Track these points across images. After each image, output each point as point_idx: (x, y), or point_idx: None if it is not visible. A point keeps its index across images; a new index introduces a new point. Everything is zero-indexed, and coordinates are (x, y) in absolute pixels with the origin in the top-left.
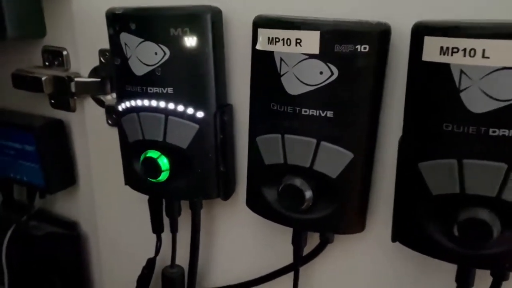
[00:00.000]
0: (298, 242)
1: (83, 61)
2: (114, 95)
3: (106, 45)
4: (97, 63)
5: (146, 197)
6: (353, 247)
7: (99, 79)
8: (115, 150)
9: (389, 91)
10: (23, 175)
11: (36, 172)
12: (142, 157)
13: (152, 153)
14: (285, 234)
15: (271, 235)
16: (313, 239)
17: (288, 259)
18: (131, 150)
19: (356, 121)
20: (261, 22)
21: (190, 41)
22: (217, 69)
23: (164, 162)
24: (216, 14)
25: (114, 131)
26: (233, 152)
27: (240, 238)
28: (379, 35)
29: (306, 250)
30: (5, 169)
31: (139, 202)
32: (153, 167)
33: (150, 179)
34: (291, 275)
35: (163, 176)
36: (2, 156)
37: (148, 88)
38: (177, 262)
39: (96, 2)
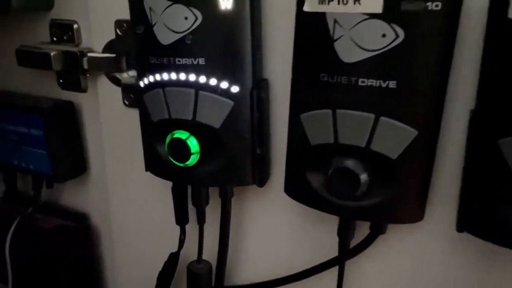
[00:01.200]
0: (345, 233)
1: (96, 34)
2: (131, 72)
3: (123, 15)
4: (111, 37)
5: (167, 184)
6: (408, 238)
7: (114, 55)
8: (133, 133)
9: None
10: (28, 162)
11: (44, 159)
12: (168, 139)
13: (180, 134)
14: (329, 223)
15: (311, 226)
16: (360, 230)
17: (332, 252)
18: (154, 131)
19: (423, 92)
20: None
21: (225, 3)
22: (254, 37)
23: (193, 144)
24: None
25: (131, 112)
26: (268, 133)
27: (275, 229)
28: None
29: (352, 242)
30: (7, 156)
31: (159, 190)
32: (181, 149)
33: (177, 164)
34: (334, 270)
35: (193, 160)
36: (4, 142)
37: (176, 59)
38: (203, 256)
39: None
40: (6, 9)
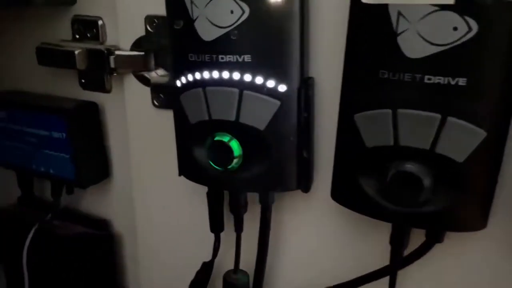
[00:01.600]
0: (399, 241)
1: (124, 31)
2: (159, 71)
3: (153, 10)
4: (140, 34)
5: (200, 190)
6: (468, 246)
7: (143, 53)
8: (162, 135)
9: None
10: (48, 166)
11: (65, 163)
12: (208, 142)
13: (222, 136)
14: (379, 231)
15: (360, 233)
16: (413, 236)
17: (382, 261)
18: (192, 133)
19: (494, 91)
20: None
21: None
22: (303, 33)
23: (236, 147)
24: None
25: (161, 114)
26: (313, 135)
27: (318, 236)
28: None
29: (405, 251)
30: (25, 160)
31: (190, 196)
32: (223, 152)
33: (217, 168)
34: (385, 281)
35: (235, 164)
36: (23, 145)
37: (220, 56)
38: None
39: None
40: (28, 2)
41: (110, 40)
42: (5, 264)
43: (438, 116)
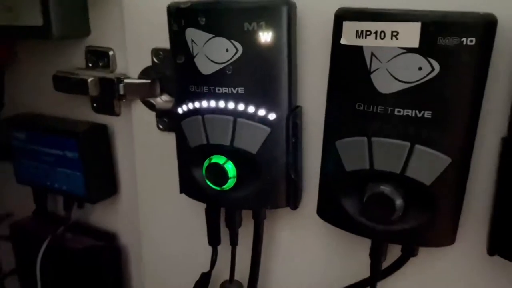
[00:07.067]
0: (377, 255)
1: (132, 61)
2: (164, 97)
3: (159, 43)
4: (147, 64)
5: (199, 206)
6: (439, 261)
7: (149, 81)
8: (166, 156)
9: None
10: (62, 183)
11: (77, 180)
12: (206, 163)
13: (218, 159)
14: (361, 245)
15: (342, 247)
16: (391, 251)
17: (363, 273)
18: (192, 155)
19: (456, 121)
20: (347, 15)
21: (265, 37)
22: (290, 67)
23: (230, 168)
24: (292, 7)
25: (165, 136)
26: (301, 158)
27: (306, 250)
28: (486, 27)
29: (384, 264)
30: (42, 178)
31: (191, 211)
32: (219, 173)
33: (214, 187)
34: None
35: (230, 184)
36: (39, 164)
37: (216, 88)
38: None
39: None
40: (49, 35)
41: (119, 69)
42: (19, 274)
43: (407, 144)
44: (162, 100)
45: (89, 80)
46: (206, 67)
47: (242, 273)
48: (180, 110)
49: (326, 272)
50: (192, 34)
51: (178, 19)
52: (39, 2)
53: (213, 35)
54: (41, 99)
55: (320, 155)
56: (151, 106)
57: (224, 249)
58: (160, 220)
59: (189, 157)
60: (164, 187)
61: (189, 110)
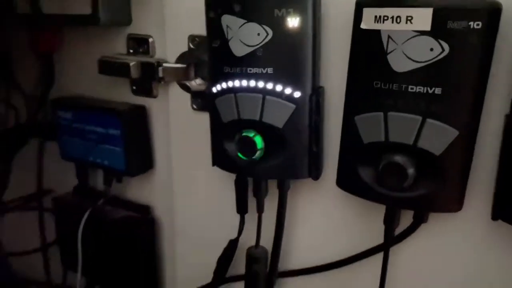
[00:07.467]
0: (390, 221)
1: (170, 47)
2: (197, 80)
3: (195, 30)
4: (184, 49)
5: (228, 179)
6: (448, 226)
7: (185, 65)
8: (199, 133)
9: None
10: (103, 159)
11: (118, 156)
12: (237, 136)
13: (248, 132)
14: (376, 213)
15: (359, 215)
16: (404, 219)
17: (379, 239)
18: (224, 130)
19: (464, 98)
20: (367, 2)
21: (293, 22)
22: (314, 51)
23: (259, 141)
24: None
25: (198, 115)
26: (323, 133)
27: (325, 218)
28: (492, 12)
29: (397, 230)
30: (85, 154)
31: (221, 184)
32: (249, 145)
33: (244, 158)
34: (380, 256)
35: (259, 155)
36: (84, 141)
37: (248, 69)
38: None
39: None
40: (96, 22)
41: (158, 54)
42: (60, 244)
43: (419, 117)
44: (196, 83)
45: (131, 64)
46: (239, 50)
47: (267, 240)
48: (214, 90)
49: (344, 239)
50: (227, 20)
51: (215, 7)
52: None
53: (246, 21)
54: (83, 82)
55: (340, 131)
56: (186, 88)
57: (251, 219)
58: (192, 193)
59: (222, 132)
60: (196, 161)
61: (222, 89)
